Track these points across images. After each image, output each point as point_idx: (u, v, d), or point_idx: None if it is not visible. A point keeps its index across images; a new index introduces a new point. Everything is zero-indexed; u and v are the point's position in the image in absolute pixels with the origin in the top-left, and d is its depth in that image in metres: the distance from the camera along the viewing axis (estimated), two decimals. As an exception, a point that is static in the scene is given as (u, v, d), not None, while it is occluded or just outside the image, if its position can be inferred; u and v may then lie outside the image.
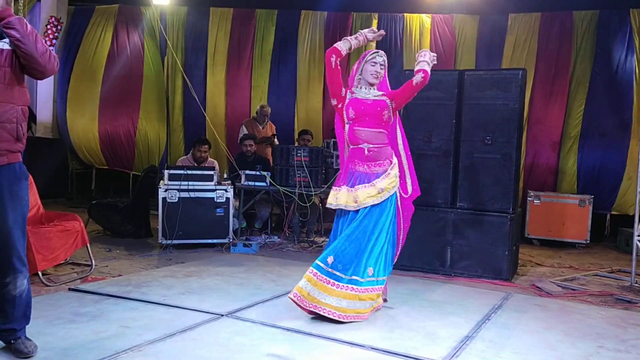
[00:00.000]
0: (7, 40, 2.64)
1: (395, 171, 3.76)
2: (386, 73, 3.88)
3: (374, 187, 3.68)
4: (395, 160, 3.80)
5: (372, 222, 3.65)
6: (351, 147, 3.81)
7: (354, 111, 3.75)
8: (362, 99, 3.77)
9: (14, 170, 2.73)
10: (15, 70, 2.69)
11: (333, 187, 3.86)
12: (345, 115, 3.81)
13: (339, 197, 3.76)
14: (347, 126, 3.81)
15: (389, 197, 3.70)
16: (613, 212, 7.51)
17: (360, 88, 3.82)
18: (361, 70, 3.81)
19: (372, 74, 3.78)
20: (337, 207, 3.77)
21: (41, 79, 2.86)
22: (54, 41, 8.75)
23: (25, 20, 2.68)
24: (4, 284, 2.73)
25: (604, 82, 7.49)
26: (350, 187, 3.74)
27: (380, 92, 3.82)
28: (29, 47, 2.62)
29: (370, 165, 3.74)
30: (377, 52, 3.84)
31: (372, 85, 3.81)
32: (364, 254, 3.59)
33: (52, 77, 9.13)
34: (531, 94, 7.68)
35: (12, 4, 2.74)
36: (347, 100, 3.79)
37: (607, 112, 7.48)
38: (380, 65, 3.78)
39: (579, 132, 7.60)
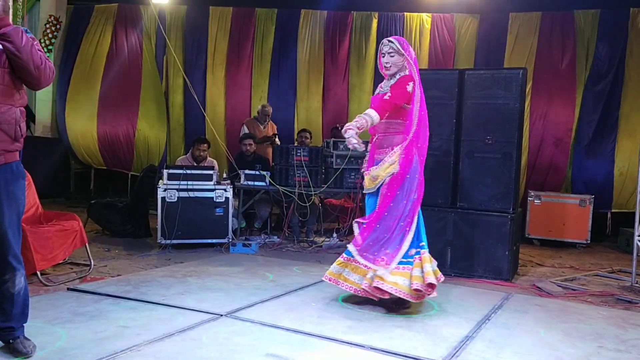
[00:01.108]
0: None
1: (393, 158, 3.78)
2: (409, 55, 3.82)
3: (369, 175, 3.88)
4: (397, 149, 3.79)
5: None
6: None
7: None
8: (377, 94, 3.92)
9: (11, 169, 2.73)
10: (13, 71, 2.67)
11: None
12: None
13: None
14: None
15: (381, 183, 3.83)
16: (613, 210, 7.51)
17: (387, 81, 3.93)
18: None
19: (382, 67, 3.89)
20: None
21: (35, 90, 2.84)
22: (52, 40, 8.74)
23: (22, 29, 2.63)
24: (3, 281, 2.73)
25: (603, 80, 7.48)
26: (366, 170, 3.98)
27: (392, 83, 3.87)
28: (24, 61, 2.59)
29: (378, 151, 3.91)
30: (383, 42, 3.88)
31: (391, 76, 3.87)
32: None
33: (51, 76, 9.12)
34: (532, 94, 7.67)
35: (10, 9, 2.72)
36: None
37: (602, 111, 7.49)
38: (389, 54, 3.81)
39: (576, 131, 7.60)
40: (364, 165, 4.08)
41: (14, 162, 2.74)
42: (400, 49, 3.79)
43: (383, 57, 3.84)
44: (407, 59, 3.82)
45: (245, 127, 7.65)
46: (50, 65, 2.72)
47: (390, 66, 3.82)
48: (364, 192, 4.05)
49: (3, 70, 2.63)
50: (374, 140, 3.98)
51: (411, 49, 3.88)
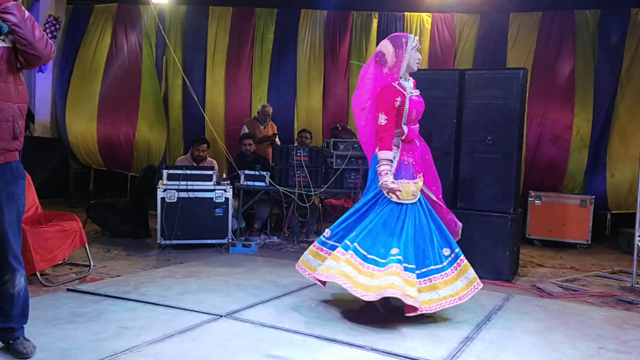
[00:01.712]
0: (1, 37, 2.62)
1: None
2: None
3: (417, 186, 3.73)
4: None
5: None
6: (404, 143, 3.74)
7: (416, 113, 3.73)
8: (416, 99, 3.75)
9: (11, 169, 2.72)
10: (12, 67, 2.66)
11: (407, 181, 3.69)
12: (406, 116, 3.67)
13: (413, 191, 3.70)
14: (405, 126, 3.70)
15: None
16: (613, 212, 7.49)
17: (406, 80, 3.74)
18: (408, 59, 3.68)
19: (417, 62, 3.72)
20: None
21: (38, 65, 2.85)
22: (52, 40, 8.71)
23: (22, 6, 2.65)
24: (3, 282, 2.73)
25: (603, 80, 7.47)
26: (413, 179, 3.73)
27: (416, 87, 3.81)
28: (26, 33, 2.60)
29: (415, 157, 3.79)
30: (415, 37, 3.75)
31: (410, 75, 3.78)
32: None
33: (50, 77, 9.13)
34: (530, 92, 7.66)
35: None
36: (407, 100, 3.66)
37: (603, 111, 7.48)
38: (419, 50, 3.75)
39: (582, 131, 7.59)
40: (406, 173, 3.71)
41: (14, 161, 2.73)
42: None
43: (418, 52, 3.71)
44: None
45: (245, 127, 7.64)
46: (50, 42, 2.74)
47: None
48: (407, 201, 3.64)
49: (0, 66, 2.62)
50: (414, 146, 3.78)
51: None
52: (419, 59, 3.71)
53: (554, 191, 7.39)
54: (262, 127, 7.68)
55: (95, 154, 9.21)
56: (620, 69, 7.36)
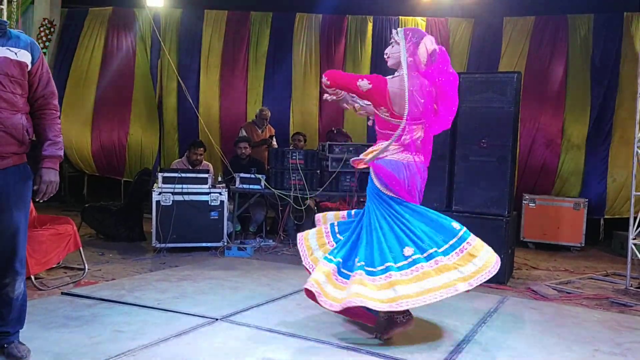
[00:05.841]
0: (11, 47, 2.66)
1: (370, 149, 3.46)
2: (412, 47, 3.26)
3: None
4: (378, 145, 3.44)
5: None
6: None
7: None
8: None
9: (19, 170, 2.76)
10: (20, 79, 2.70)
11: None
12: None
13: None
14: None
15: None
16: (606, 217, 7.52)
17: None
18: None
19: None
20: None
21: None
22: (47, 44, 8.69)
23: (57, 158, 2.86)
24: (3, 285, 2.73)
25: (598, 85, 7.51)
26: None
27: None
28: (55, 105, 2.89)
29: None
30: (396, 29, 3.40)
31: (395, 68, 3.37)
32: None
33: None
34: (523, 97, 7.67)
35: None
36: None
37: (598, 116, 7.51)
38: (390, 44, 3.35)
39: (573, 135, 7.62)
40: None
41: (22, 163, 2.78)
42: (402, 39, 3.26)
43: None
44: (404, 52, 3.24)
45: (243, 131, 7.63)
46: (55, 93, 2.89)
47: (388, 57, 3.36)
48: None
49: (5, 77, 2.63)
50: None
51: (421, 47, 3.27)
52: (384, 53, 3.42)
53: (546, 194, 7.41)
54: (259, 131, 7.67)
55: (89, 160, 9.16)
56: (619, 73, 7.38)
